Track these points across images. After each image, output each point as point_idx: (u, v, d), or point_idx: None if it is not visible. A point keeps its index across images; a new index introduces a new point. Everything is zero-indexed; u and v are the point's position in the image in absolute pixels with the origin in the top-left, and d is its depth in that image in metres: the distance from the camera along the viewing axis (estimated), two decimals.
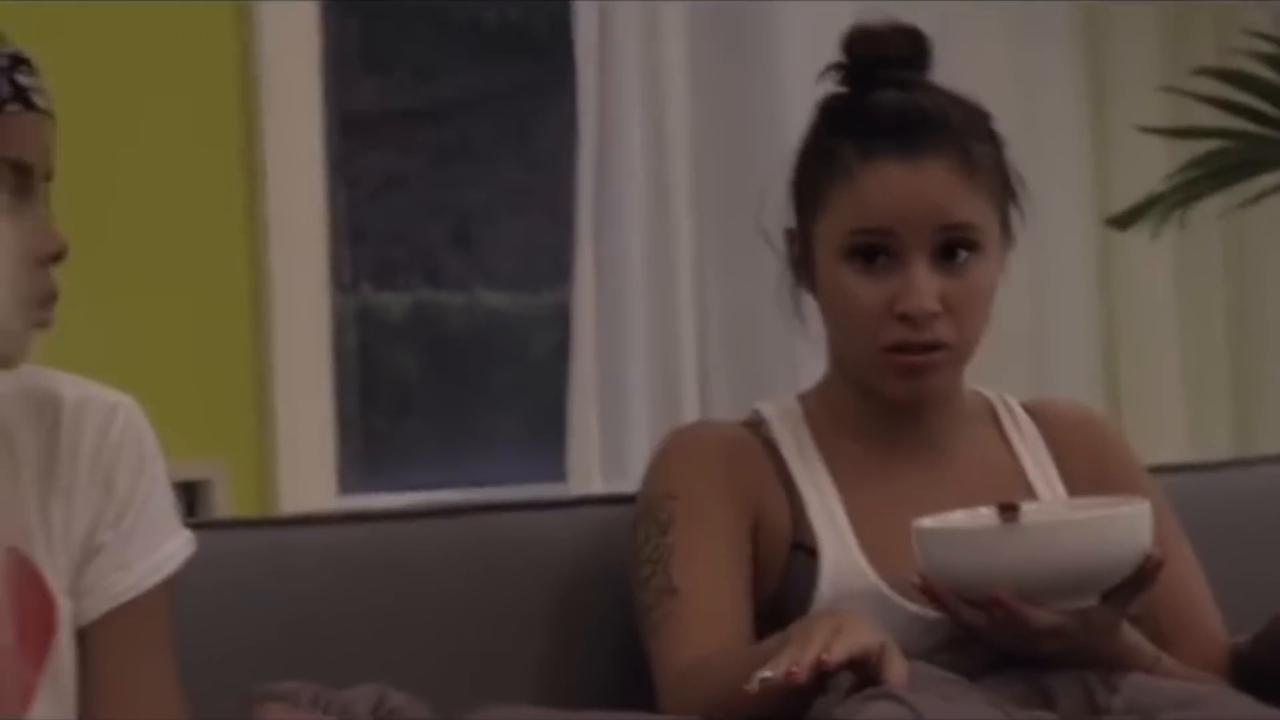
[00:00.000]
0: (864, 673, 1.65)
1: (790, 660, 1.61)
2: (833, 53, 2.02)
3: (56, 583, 1.58)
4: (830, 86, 1.98)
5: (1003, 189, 1.93)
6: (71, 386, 1.62)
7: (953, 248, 1.87)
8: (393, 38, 3.79)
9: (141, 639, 1.64)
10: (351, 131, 3.57)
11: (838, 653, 1.62)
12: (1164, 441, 3.67)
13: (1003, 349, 3.40)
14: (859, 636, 1.65)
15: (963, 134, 1.90)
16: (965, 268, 1.87)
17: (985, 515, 1.79)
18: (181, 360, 2.92)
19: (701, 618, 1.84)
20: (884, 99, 1.91)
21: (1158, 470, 2.20)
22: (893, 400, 1.91)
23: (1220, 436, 3.81)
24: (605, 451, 3.33)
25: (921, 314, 1.84)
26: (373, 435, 3.56)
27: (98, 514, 1.60)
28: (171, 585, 1.66)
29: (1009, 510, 1.77)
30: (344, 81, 3.51)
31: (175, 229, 3.03)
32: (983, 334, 1.92)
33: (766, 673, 1.62)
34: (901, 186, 1.87)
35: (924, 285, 1.85)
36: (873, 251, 1.86)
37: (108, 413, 1.63)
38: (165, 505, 1.68)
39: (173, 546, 1.67)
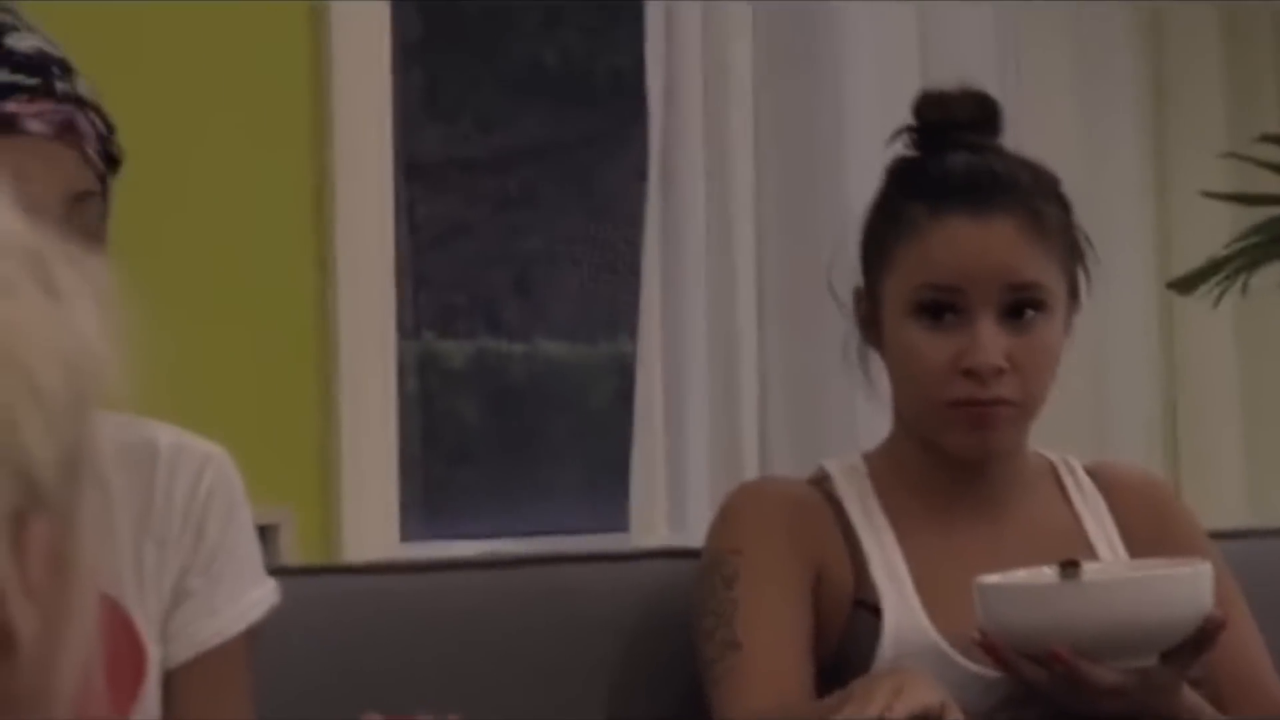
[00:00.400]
0: None
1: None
2: (899, 108, 2.04)
3: (147, 629, 1.59)
4: (900, 149, 2.00)
5: (1070, 251, 1.94)
6: (166, 434, 1.63)
7: (1020, 307, 1.88)
8: (458, 86, 3.81)
9: (225, 684, 1.65)
10: (416, 178, 3.58)
11: (900, 711, 1.62)
12: (1223, 507, 3.65)
13: (1065, 411, 3.42)
14: (920, 694, 1.65)
15: (1031, 195, 1.92)
16: (1031, 326, 1.88)
17: (1047, 573, 1.80)
18: (249, 404, 2.92)
19: (764, 672, 1.84)
20: (954, 161, 1.93)
21: (1217, 536, 2.20)
22: (957, 456, 1.92)
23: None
24: (668, 504, 3.33)
25: (987, 369, 1.85)
26: (433, 483, 3.56)
27: (188, 561, 1.61)
28: (254, 632, 1.67)
29: (1070, 567, 1.78)
30: (409, 129, 3.52)
31: (244, 270, 3.03)
32: (1047, 394, 1.93)
33: None
34: (970, 244, 1.88)
35: (990, 342, 1.86)
36: (940, 309, 1.88)
37: (201, 461, 1.64)
38: (252, 553, 1.69)
39: (258, 594, 1.68)
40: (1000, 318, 1.87)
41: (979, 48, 3.57)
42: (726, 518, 1.96)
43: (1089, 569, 1.80)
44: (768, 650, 1.86)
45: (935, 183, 1.93)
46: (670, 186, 3.37)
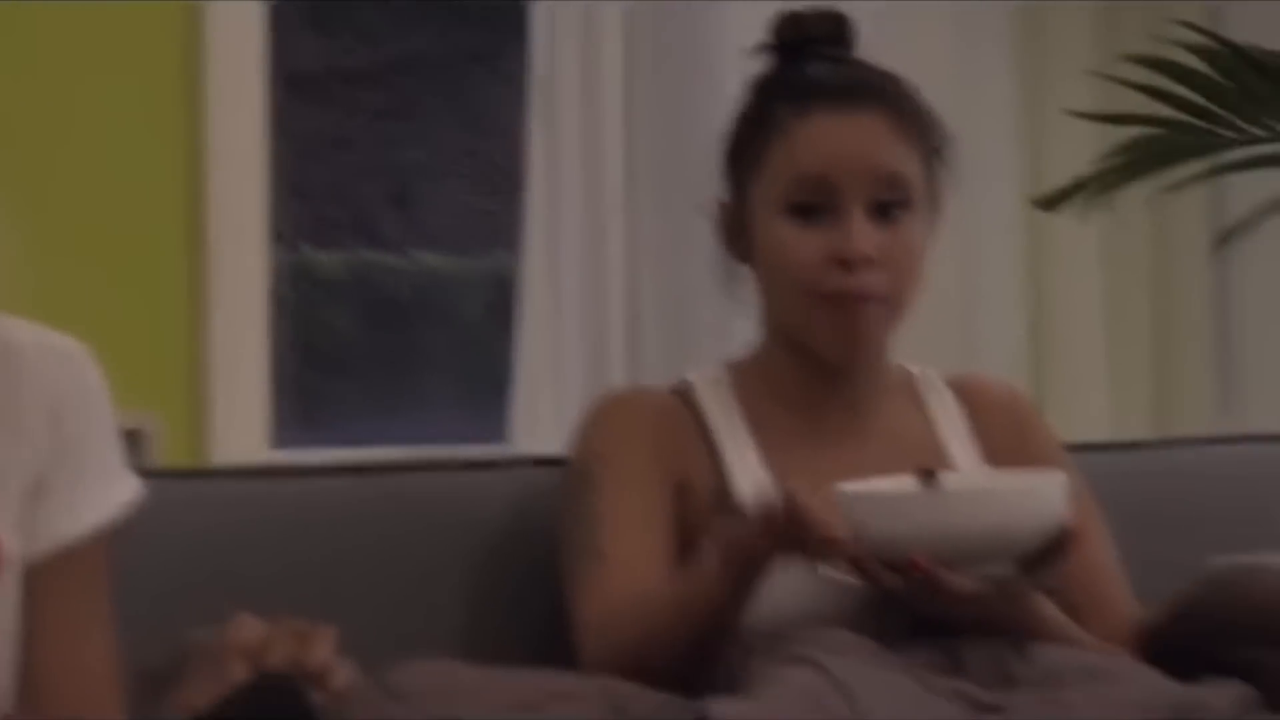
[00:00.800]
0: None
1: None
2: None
3: (3, 519, 1.58)
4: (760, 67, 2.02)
5: (932, 153, 1.97)
6: (26, 332, 1.62)
7: (887, 205, 1.90)
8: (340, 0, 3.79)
9: (83, 581, 1.64)
10: (295, 90, 3.56)
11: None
12: (1086, 420, 3.71)
13: (934, 325, 3.46)
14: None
15: (895, 96, 1.95)
16: (898, 223, 1.91)
17: (907, 482, 1.81)
18: (117, 311, 2.91)
19: (625, 577, 1.86)
20: (817, 68, 1.96)
21: (1079, 448, 2.23)
22: (826, 356, 1.93)
23: (1140, 417, 3.85)
24: (547, 413, 3.35)
25: (858, 257, 1.87)
26: (308, 391, 3.56)
27: (49, 457, 1.60)
28: (116, 530, 1.66)
29: (928, 475, 1.80)
30: (289, 41, 3.50)
31: (114, 181, 3.01)
32: (912, 296, 1.95)
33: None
34: (837, 137, 1.91)
35: (860, 231, 1.88)
36: (810, 208, 1.89)
37: (61, 358, 1.63)
38: (114, 451, 1.68)
39: (120, 492, 1.66)
40: (869, 213, 1.90)
41: None
42: (588, 426, 1.98)
43: (948, 478, 1.82)
44: (628, 558, 1.88)
45: (800, 87, 1.95)
46: (548, 104, 3.38)
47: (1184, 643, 1.91)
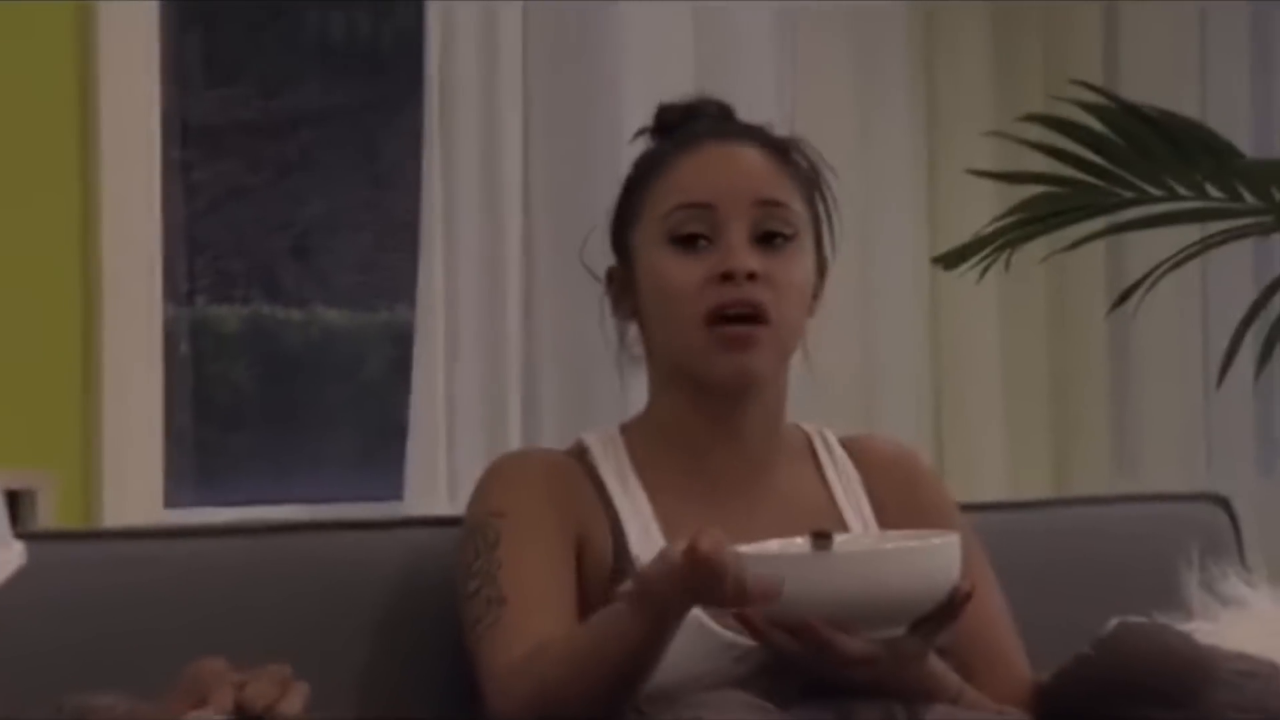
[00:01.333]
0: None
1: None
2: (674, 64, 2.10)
3: None
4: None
5: (815, 191, 2.02)
6: None
7: (769, 234, 1.94)
8: (238, 50, 3.78)
9: None
10: (193, 143, 3.55)
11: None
12: (985, 479, 3.73)
13: (834, 382, 3.47)
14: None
15: (777, 138, 2.02)
16: (780, 251, 1.94)
17: (799, 544, 1.82)
18: (7, 367, 2.89)
19: (530, 624, 1.87)
20: (699, 125, 2.02)
21: (977, 508, 2.25)
22: (717, 383, 1.95)
23: (1039, 476, 3.88)
24: (443, 470, 3.34)
25: (741, 269, 1.90)
26: (203, 448, 3.53)
27: None
28: None
29: (821, 538, 1.80)
30: (187, 93, 3.49)
31: (3, 233, 3.00)
32: (799, 328, 1.98)
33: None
34: (718, 164, 1.96)
35: (742, 248, 1.92)
36: (692, 237, 1.93)
37: None
38: None
39: (4, 561, 1.64)
40: (752, 237, 1.93)
41: (756, 41, 3.63)
42: (488, 482, 1.99)
43: (840, 540, 1.83)
44: (533, 604, 1.88)
45: (682, 137, 2.00)
46: (446, 155, 3.39)
47: (1077, 703, 1.93)
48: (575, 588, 1.93)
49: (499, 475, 1.99)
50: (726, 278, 1.90)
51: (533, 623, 1.87)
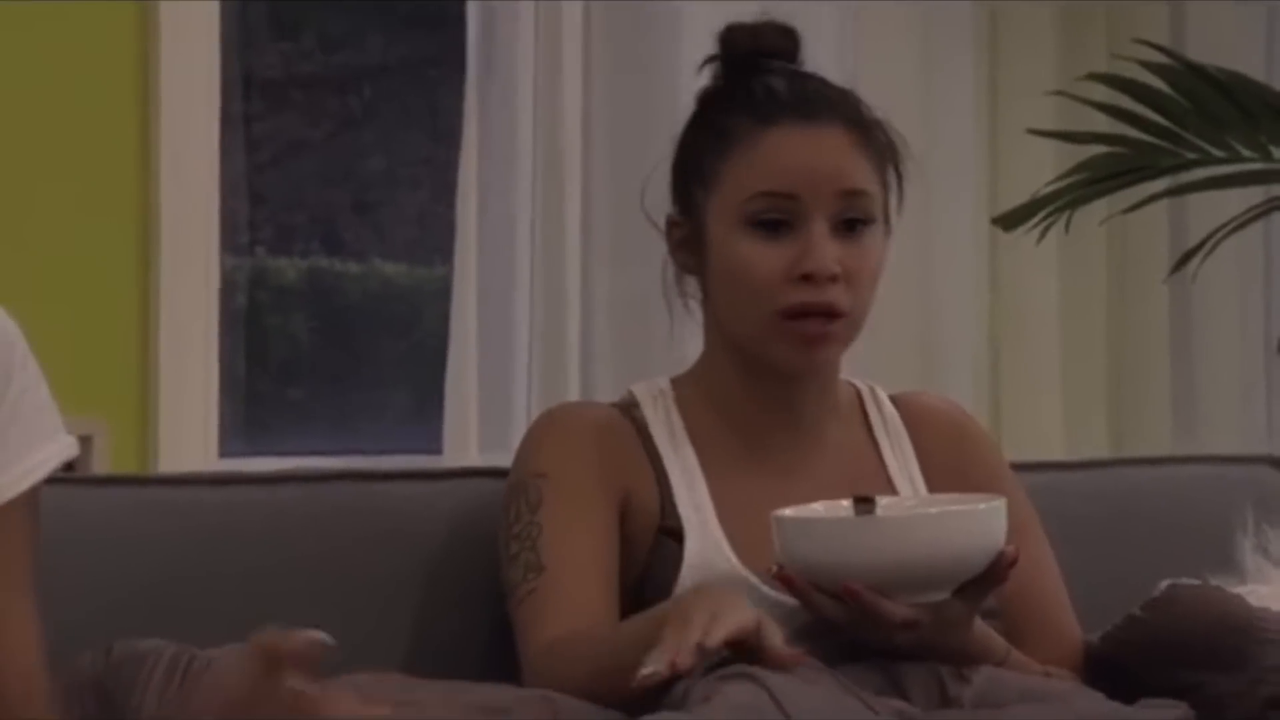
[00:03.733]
0: (744, 651, 1.67)
1: (671, 651, 1.62)
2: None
3: None
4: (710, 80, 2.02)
5: (890, 168, 1.97)
6: None
7: (850, 219, 1.90)
8: (300, 5, 3.79)
9: (7, 542, 1.61)
10: (255, 95, 3.56)
11: (717, 635, 1.63)
12: (1042, 440, 3.72)
13: (894, 340, 3.46)
14: (735, 616, 1.66)
15: (854, 111, 1.95)
16: (860, 239, 1.91)
17: (843, 508, 1.81)
18: (65, 314, 2.91)
19: (568, 595, 1.86)
20: (775, 80, 1.95)
21: (1033, 467, 2.24)
22: (783, 370, 1.93)
23: (1096, 436, 3.86)
24: (485, 427, 3.34)
25: (824, 273, 1.86)
26: (257, 399, 3.55)
27: None
28: (37, 494, 1.63)
29: (864, 502, 1.80)
30: (249, 47, 3.50)
31: (62, 185, 3.01)
32: (868, 311, 1.95)
33: (649, 669, 1.62)
34: (802, 150, 1.90)
35: (826, 247, 1.87)
36: (773, 222, 1.89)
37: None
38: (42, 408, 1.65)
39: (47, 451, 1.64)
40: (832, 228, 1.89)
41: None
42: (531, 442, 1.97)
43: (883, 504, 1.82)
44: (571, 574, 1.87)
45: (760, 98, 1.94)
46: (497, 110, 3.39)
47: (1128, 665, 1.92)
48: (617, 550, 1.91)
49: (544, 433, 1.98)
50: (807, 278, 1.88)
51: (570, 593, 1.86)
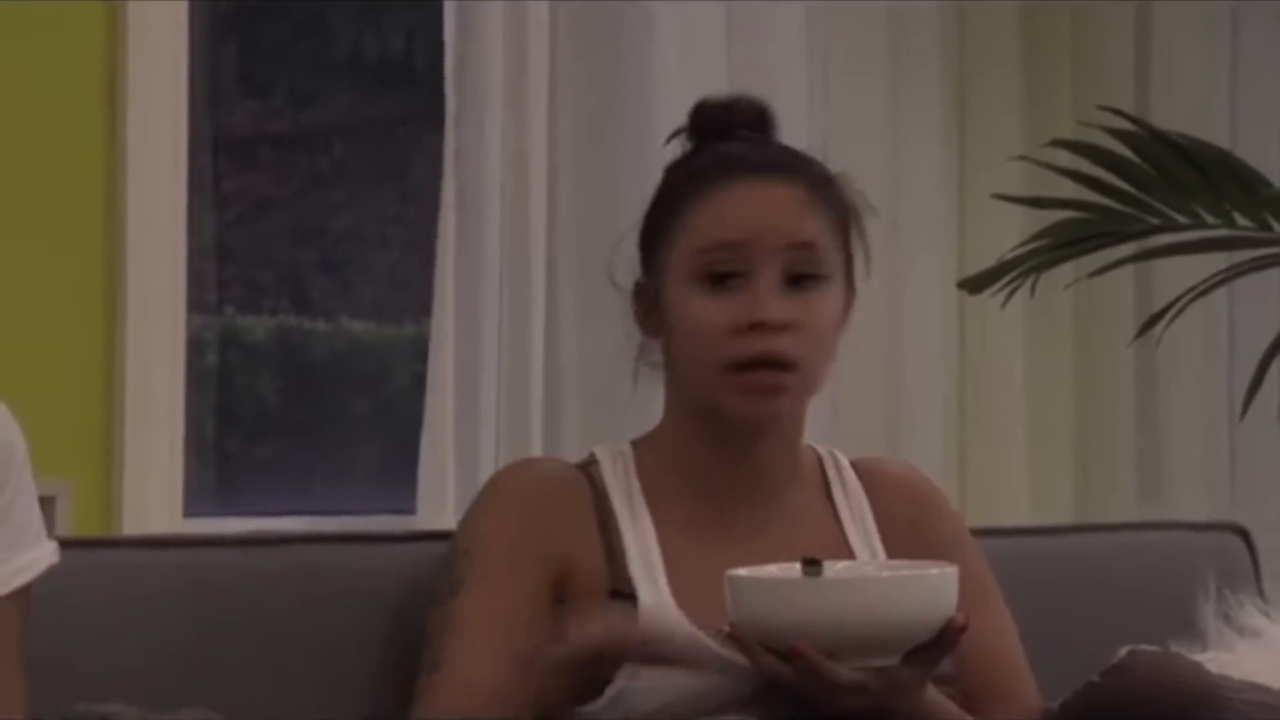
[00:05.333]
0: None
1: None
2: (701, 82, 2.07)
3: None
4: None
5: (849, 228, 1.98)
6: None
7: (799, 276, 1.91)
8: (270, 63, 3.80)
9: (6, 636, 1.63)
10: (224, 154, 3.56)
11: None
12: (1008, 504, 3.73)
13: (860, 405, 3.47)
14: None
15: (810, 172, 1.97)
16: (810, 293, 1.92)
17: (792, 569, 1.82)
18: (30, 373, 2.90)
19: (452, 698, 1.87)
20: (735, 146, 1.98)
21: (996, 533, 2.24)
22: (736, 423, 1.93)
23: (1062, 499, 3.87)
24: (459, 485, 3.34)
25: (770, 321, 1.87)
26: (225, 459, 3.54)
27: None
28: (28, 593, 1.66)
29: (812, 565, 1.80)
30: (219, 104, 3.50)
31: (28, 242, 3.00)
32: (825, 368, 1.96)
33: None
34: (751, 203, 1.92)
35: (772, 296, 1.89)
36: (722, 275, 1.90)
37: None
38: (31, 513, 1.68)
39: (34, 555, 1.67)
40: (782, 281, 1.90)
41: (788, 48, 3.63)
42: (471, 510, 1.98)
43: (833, 567, 1.83)
44: (464, 673, 1.88)
45: (718, 161, 1.97)
46: (469, 169, 3.40)
47: None
48: (535, 634, 1.90)
49: (483, 502, 1.98)
50: (754, 327, 1.88)
51: (454, 696, 1.87)
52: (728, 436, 1.95)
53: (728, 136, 1.99)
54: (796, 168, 1.97)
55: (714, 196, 1.93)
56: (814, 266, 1.92)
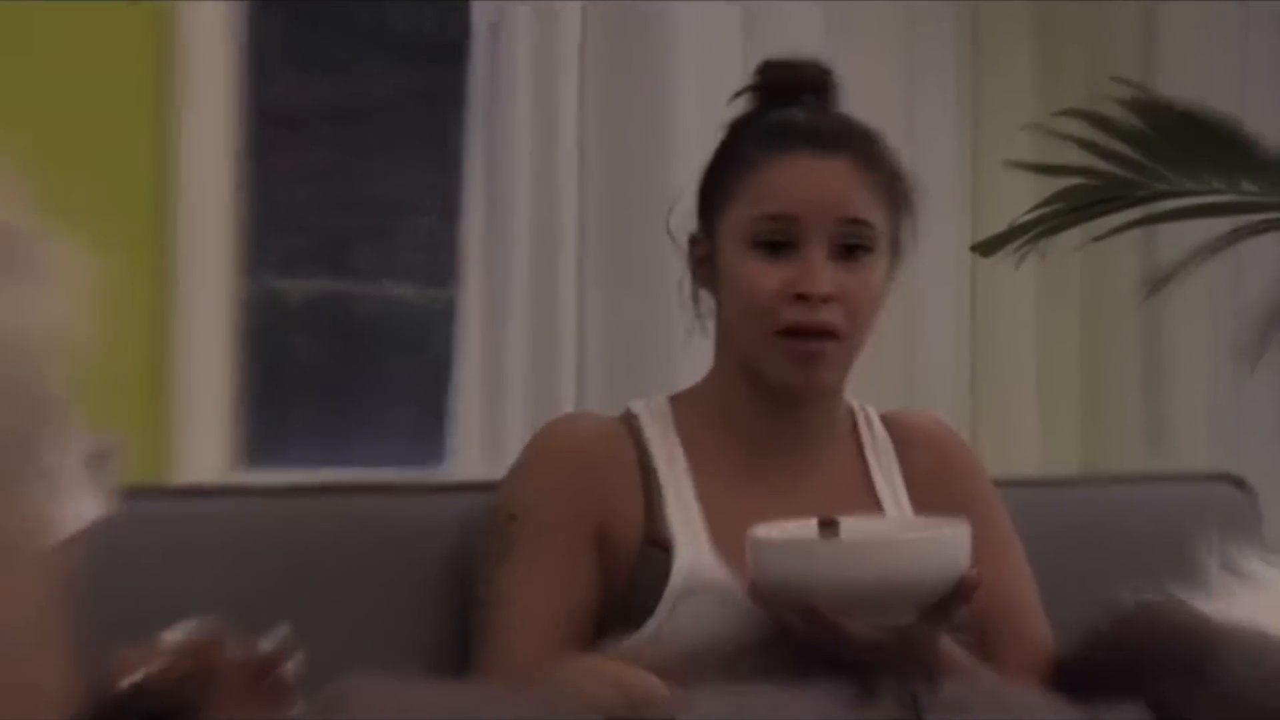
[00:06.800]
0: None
1: None
2: (723, 61, 2.06)
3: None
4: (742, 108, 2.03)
5: (897, 203, 1.97)
6: None
7: (849, 246, 1.90)
8: (317, 36, 3.80)
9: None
10: (271, 124, 3.56)
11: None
12: (1018, 458, 3.72)
13: (877, 362, 3.47)
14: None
15: (867, 144, 1.95)
16: (859, 265, 1.90)
17: (811, 528, 1.80)
18: (87, 331, 2.91)
19: (511, 655, 1.88)
20: (795, 112, 1.96)
21: (1010, 483, 2.23)
22: (779, 389, 1.92)
23: (1070, 453, 3.87)
24: (488, 441, 3.35)
25: (817, 294, 1.86)
26: (271, 416, 3.54)
27: None
28: (80, 542, 1.66)
29: (828, 525, 1.79)
30: (267, 77, 3.50)
31: (80, 205, 3.01)
32: (868, 335, 1.95)
33: None
34: (807, 176, 1.90)
35: (820, 268, 1.87)
36: (776, 243, 1.89)
37: None
38: (80, 465, 1.68)
39: (86, 504, 1.67)
40: (831, 252, 1.89)
41: (805, 39, 3.62)
42: (514, 473, 1.97)
43: (848, 526, 1.81)
44: (518, 636, 1.88)
45: (778, 127, 1.94)
46: (498, 136, 3.41)
47: (1094, 678, 1.92)
48: (585, 586, 1.91)
49: (526, 463, 1.97)
50: (801, 297, 1.87)
51: (515, 652, 1.87)
52: (771, 396, 1.94)
53: (790, 100, 1.97)
54: (852, 140, 1.94)
55: (772, 166, 1.91)
56: (863, 239, 1.90)
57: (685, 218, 2.03)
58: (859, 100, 3.45)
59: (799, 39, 3.57)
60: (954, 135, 3.82)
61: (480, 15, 3.42)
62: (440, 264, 3.71)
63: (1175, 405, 3.97)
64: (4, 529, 1.57)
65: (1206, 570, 2.17)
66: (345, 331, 3.76)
